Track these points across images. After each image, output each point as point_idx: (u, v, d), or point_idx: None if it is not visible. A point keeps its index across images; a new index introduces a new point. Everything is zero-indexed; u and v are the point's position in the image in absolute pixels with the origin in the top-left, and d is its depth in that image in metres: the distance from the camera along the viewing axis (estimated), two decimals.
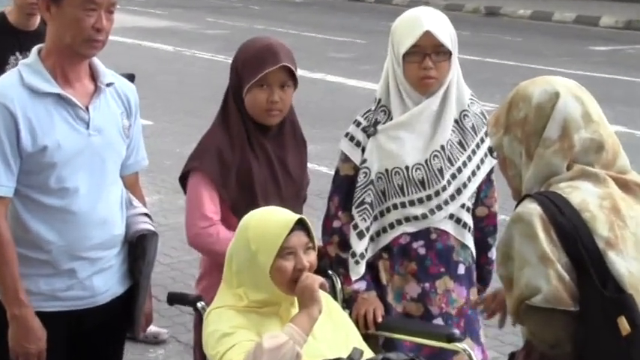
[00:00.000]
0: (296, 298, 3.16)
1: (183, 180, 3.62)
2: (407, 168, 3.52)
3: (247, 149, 3.57)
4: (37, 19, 5.45)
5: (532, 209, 2.49)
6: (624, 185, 2.56)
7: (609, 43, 18.83)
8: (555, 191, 2.52)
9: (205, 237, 3.50)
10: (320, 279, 3.17)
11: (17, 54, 5.26)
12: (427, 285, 3.56)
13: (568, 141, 2.57)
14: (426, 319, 3.56)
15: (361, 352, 3.13)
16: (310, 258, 3.18)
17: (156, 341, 5.41)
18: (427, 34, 3.44)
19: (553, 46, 18.05)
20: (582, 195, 2.50)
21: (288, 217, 3.20)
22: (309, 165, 3.89)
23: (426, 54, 3.45)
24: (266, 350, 2.95)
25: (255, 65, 3.52)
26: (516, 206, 2.57)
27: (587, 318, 2.41)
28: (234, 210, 3.48)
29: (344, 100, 10.99)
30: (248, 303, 3.16)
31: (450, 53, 3.51)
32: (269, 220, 3.20)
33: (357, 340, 3.29)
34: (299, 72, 3.64)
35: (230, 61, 3.69)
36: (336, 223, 3.62)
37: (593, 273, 2.41)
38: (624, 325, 2.37)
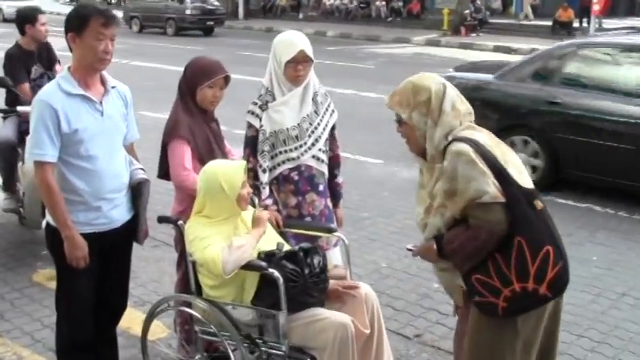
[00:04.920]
0: (243, 212, 2.91)
1: (165, 146, 3.14)
2: (287, 129, 3.18)
3: (202, 125, 3.17)
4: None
5: (464, 146, 2.28)
6: (481, 131, 2.46)
7: (334, 46, 19.01)
8: (465, 136, 2.35)
9: (185, 180, 3.07)
10: (267, 214, 2.96)
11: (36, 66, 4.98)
12: (300, 198, 3.26)
13: (457, 110, 2.41)
14: (301, 218, 3.26)
15: (283, 245, 2.88)
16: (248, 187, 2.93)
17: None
18: (301, 52, 3.12)
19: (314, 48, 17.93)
20: (478, 136, 2.36)
21: (240, 164, 2.90)
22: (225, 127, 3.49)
23: (298, 62, 3.13)
24: (234, 247, 2.69)
25: (208, 73, 3.11)
26: (446, 147, 2.34)
27: (514, 204, 2.27)
28: (200, 159, 3.07)
29: (246, 88, 10.43)
30: (210, 219, 2.83)
31: (312, 61, 3.20)
32: (231, 168, 2.87)
33: (278, 239, 3.00)
34: None
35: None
36: (250, 165, 3.21)
37: (509, 178, 2.29)
38: (539, 204, 2.32)
